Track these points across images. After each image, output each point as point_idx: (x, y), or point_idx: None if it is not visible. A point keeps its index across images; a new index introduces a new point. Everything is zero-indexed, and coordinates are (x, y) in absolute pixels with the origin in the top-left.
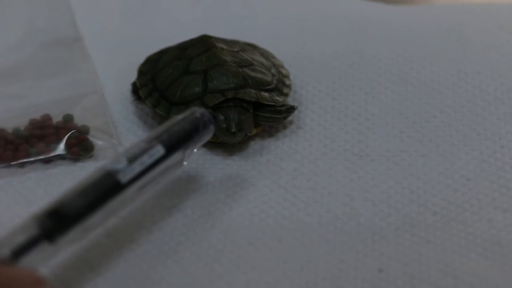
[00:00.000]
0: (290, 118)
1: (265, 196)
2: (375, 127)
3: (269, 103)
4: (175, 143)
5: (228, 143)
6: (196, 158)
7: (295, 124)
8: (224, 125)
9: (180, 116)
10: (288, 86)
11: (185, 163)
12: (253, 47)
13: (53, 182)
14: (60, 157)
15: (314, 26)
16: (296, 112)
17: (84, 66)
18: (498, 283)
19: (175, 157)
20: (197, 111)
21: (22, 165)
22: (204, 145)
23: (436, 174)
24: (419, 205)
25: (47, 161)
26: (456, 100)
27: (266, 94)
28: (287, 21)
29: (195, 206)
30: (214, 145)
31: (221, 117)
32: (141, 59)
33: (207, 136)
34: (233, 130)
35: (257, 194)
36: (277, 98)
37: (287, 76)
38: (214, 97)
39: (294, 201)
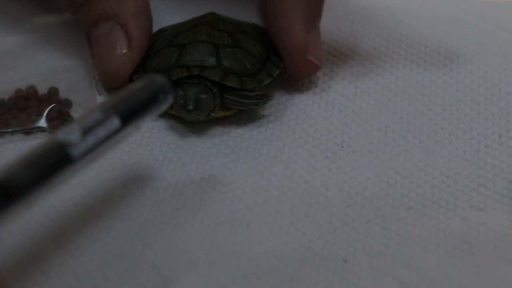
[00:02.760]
0: (269, 105)
1: (240, 181)
2: (360, 119)
3: (234, 86)
4: (132, 115)
5: (186, 120)
6: (175, 139)
7: (280, 111)
8: (181, 101)
9: (138, 84)
10: (271, 75)
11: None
12: (260, 30)
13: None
14: (40, 129)
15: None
16: (282, 99)
17: (72, 40)
18: (461, 282)
19: (130, 129)
20: (157, 80)
21: (1, 135)
22: (183, 125)
23: (416, 169)
24: (394, 199)
25: (27, 132)
26: (445, 99)
27: (234, 77)
28: None
29: (168, 186)
30: (194, 127)
31: (181, 93)
32: None
33: (165, 106)
34: (189, 107)
35: (232, 178)
36: (250, 83)
37: (280, 62)
38: (180, 71)
39: (269, 187)
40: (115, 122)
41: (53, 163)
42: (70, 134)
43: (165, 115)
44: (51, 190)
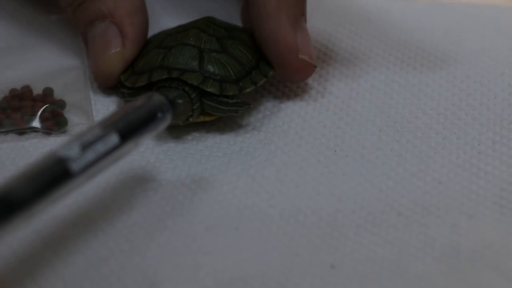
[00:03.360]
0: (263, 108)
1: (230, 184)
2: (354, 123)
3: (212, 92)
4: (131, 132)
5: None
6: (168, 141)
7: (275, 114)
8: None
9: (137, 102)
10: (258, 82)
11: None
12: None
13: (23, 154)
14: (33, 129)
15: (309, 17)
16: (277, 102)
17: (69, 41)
18: None
19: (128, 146)
20: (156, 98)
21: None
22: (175, 127)
23: (408, 175)
24: (385, 204)
25: (21, 133)
26: (440, 103)
27: (215, 82)
28: None
29: (159, 188)
30: (188, 129)
31: None
32: None
33: (164, 125)
34: None
35: (223, 182)
36: (230, 89)
37: (269, 70)
38: (160, 72)
39: (259, 191)
40: (114, 138)
41: (53, 177)
42: (69, 149)
43: None
44: (50, 204)
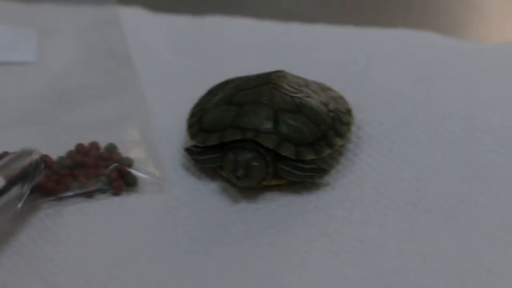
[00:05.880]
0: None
1: (308, 245)
2: (434, 174)
3: (289, 156)
4: (15, 177)
5: (235, 186)
6: (239, 201)
7: (348, 168)
8: (231, 167)
9: (17, 153)
10: (334, 145)
11: (19, 205)
12: (325, 90)
13: (86, 220)
14: (100, 191)
15: (380, 62)
16: (350, 155)
17: (134, 94)
18: None
19: (14, 191)
20: (31, 151)
21: (60, 198)
22: (247, 189)
23: (496, 229)
24: (473, 262)
25: (89, 195)
26: None
27: (290, 146)
28: (350, 56)
29: (233, 253)
30: (259, 189)
31: (231, 157)
32: (192, 92)
33: (39, 177)
34: (238, 174)
35: (299, 243)
36: (306, 154)
37: (345, 132)
38: (234, 133)
39: (339, 251)
40: (0, 180)
41: None
42: None
43: (221, 177)
44: None
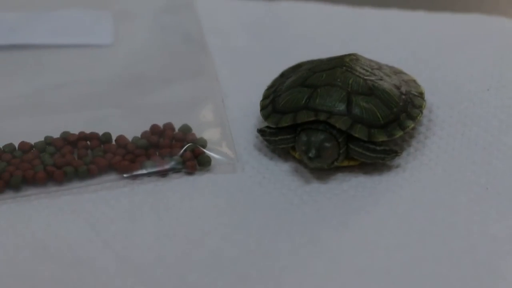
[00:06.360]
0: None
1: (378, 225)
2: (506, 158)
3: (361, 138)
4: None
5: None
6: (311, 182)
7: (419, 151)
8: (303, 148)
9: None
10: (406, 127)
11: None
12: (397, 74)
13: (161, 198)
14: (174, 170)
15: (452, 46)
16: (422, 137)
17: (208, 77)
18: None
19: None
20: None
21: (135, 177)
22: (320, 170)
23: None
24: None
25: (163, 174)
26: None
27: (363, 128)
28: (423, 40)
29: (305, 231)
30: (330, 170)
31: (304, 138)
32: (265, 75)
33: None
34: (310, 154)
35: (370, 222)
36: (378, 136)
37: (417, 114)
38: (307, 114)
39: (409, 231)
40: None
41: None
42: None
43: (293, 158)
44: None
